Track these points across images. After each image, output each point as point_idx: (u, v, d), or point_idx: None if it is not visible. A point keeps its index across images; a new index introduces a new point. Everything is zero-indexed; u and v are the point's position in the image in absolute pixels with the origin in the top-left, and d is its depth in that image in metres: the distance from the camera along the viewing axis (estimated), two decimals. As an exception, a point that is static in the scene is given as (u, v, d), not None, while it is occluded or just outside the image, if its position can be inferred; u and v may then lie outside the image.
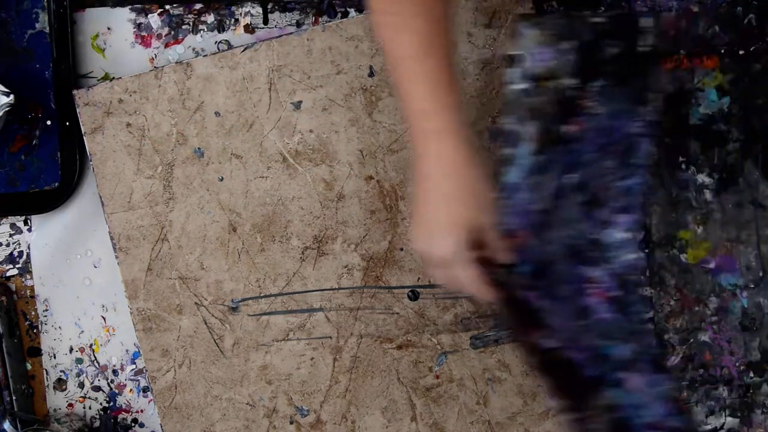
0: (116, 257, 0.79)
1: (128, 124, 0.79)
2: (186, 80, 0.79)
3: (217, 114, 0.79)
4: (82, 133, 0.79)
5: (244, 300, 0.79)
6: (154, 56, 0.81)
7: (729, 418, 0.82)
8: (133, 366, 0.82)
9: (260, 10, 0.81)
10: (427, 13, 0.57)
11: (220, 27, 0.81)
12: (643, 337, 0.68)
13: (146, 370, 0.80)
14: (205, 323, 0.79)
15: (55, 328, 0.82)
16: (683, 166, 0.81)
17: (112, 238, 0.79)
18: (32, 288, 0.82)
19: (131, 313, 0.79)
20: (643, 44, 0.67)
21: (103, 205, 0.79)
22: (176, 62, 0.79)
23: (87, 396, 0.82)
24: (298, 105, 0.79)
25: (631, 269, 0.68)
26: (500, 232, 0.65)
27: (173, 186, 0.79)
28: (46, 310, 0.82)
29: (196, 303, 0.79)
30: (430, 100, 0.58)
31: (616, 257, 0.68)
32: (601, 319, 0.68)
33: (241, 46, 0.79)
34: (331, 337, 0.80)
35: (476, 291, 0.63)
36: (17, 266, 0.82)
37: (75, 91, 0.78)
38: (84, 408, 0.82)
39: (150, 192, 0.79)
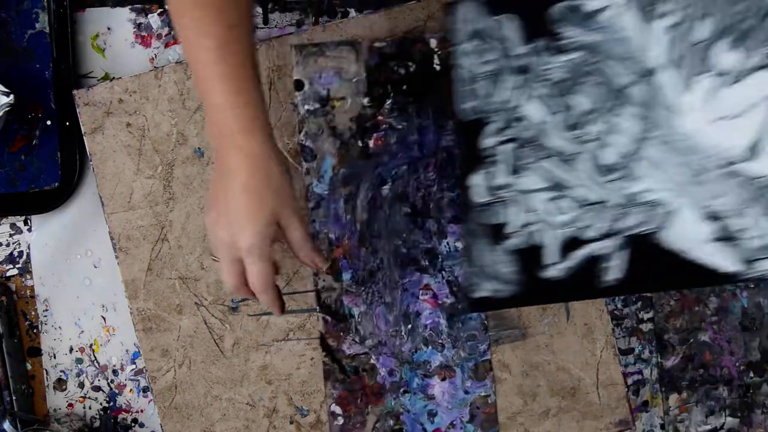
0: (116, 257, 0.79)
1: (128, 124, 0.79)
2: (186, 80, 0.79)
3: (217, 114, 0.79)
4: (82, 133, 0.79)
5: (244, 300, 0.79)
6: (154, 56, 0.81)
7: (729, 418, 0.82)
8: (133, 366, 0.82)
9: (260, 9, 0.81)
10: (223, 20, 0.60)
11: (220, 27, 0.81)
12: (474, 344, 0.71)
13: (146, 370, 0.80)
14: (205, 323, 0.79)
15: (55, 328, 0.82)
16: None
17: (112, 238, 0.79)
18: (32, 288, 0.82)
19: (131, 313, 0.79)
20: (436, 63, 0.72)
21: (103, 205, 0.79)
22: (176, 62, 0.79)
23: (87, 396, 0.82)
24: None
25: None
26: (322, 240, 0.70)
27: (173, 186, 0.79)
28: (46, 310, 0.82)
29: (196, 303, 0.79)
30: (225, 100, 0.61)
31: (451, 266, 0.71)
32: (427, 325, 0.71)
33: (241, 46, 0.79)
34: (331, 337, 0.80)
35: (261, 288, 0.64)
36: (17, 266, 0.82)
37: (75, 91, 0.78)
38: (84, 408, 0.82)
39: (150, 192, 0.79)
